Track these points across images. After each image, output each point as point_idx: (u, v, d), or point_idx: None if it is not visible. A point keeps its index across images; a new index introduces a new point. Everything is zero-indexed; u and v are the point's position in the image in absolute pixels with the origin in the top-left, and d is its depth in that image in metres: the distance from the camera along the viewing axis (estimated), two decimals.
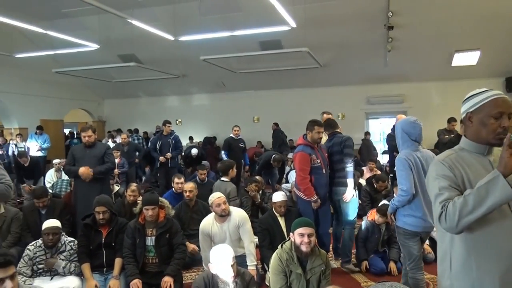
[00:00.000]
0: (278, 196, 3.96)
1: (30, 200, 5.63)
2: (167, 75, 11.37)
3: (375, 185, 5.74)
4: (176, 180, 5.15)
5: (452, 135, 6.64)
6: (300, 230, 2.73)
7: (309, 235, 2.71)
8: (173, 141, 7.54)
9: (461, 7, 7.90)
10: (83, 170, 4.43)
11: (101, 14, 8.10)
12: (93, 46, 8.62)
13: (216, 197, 3.67)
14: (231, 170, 5.28)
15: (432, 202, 1.55)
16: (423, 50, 9.50)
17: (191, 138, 12.44)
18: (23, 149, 9.28)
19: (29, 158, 7.45)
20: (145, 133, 12.69)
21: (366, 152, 9.46)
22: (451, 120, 7.16)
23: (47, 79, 11.37)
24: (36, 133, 10.19)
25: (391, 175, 5.96)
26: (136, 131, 12.49)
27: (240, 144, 7.92)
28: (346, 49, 9.69)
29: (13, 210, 4.57)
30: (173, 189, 5.23)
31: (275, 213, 3.95)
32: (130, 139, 9.49)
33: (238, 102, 12.82)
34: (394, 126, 5.99)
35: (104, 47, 8.94)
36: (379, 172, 6.95)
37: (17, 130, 10.63)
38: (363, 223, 4.24)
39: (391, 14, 7.85)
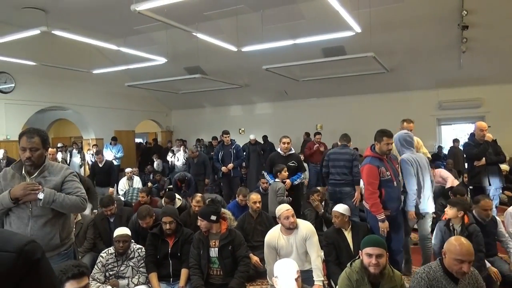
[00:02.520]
0: (337, 208, 3.79)
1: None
2: (231, 85, 11.58)
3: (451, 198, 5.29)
4: (241, 197, 5.17)
5: None
6: (368, 250, 2.53)
7: (378, 256, 2.49)
8: (234, 151, 7.60)
9: None
10: None
11: (168, 29, 8.48)
12: (162, 60, 9.02)
13: (284, 209, 3.56)
14: (279, 173, 5.21)
15: None
16: (502, 50, 8.69)
17: (199, 141, 12.65)
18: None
19: (104, 159, 8.01)
20: (210, 143, 12.96)
21: (455, 161, 8.84)
22: None
23: (120, 92, 12.14)
24: (110, 143, 10.89)
25: (471, 187, 5.43)
26: (198, 140, 12.87)
27: (291, 163, 5.59)
28: (415, 52, 9.19)
29: (88, 217, 4.85)
30: (238, 200, 5.23)
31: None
32: (198, 150, 9.58)
33: (300, 110, 12.69)
34: (471, 134, 5.51)
35: (172, 61, 9.32)
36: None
37: (94, 141, 11.42)
38: (435, 231, 3.88)
39: (466, 13, 7.29)
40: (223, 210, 3.72)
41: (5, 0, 7.17)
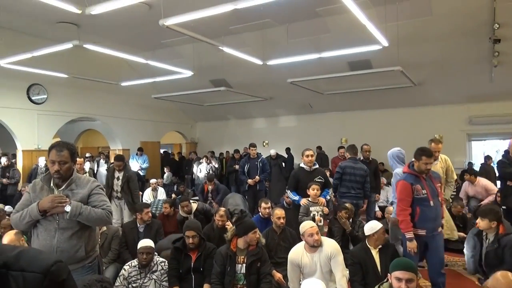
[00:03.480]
0: (373, 227, 3.66)
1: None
2: (255, 98, 11.63)
3: None
4: (263, 205, 5.09)
5: None
6: (397, 274, 2.41)
7: (408, 281, 2.37)
8: (260, 164, 7.59)
9: None
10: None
11: (195, 43, 8.61)
12: (188, 73, 9.15)
13: (308, 226, 3.49)
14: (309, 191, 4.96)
15: None
16: None
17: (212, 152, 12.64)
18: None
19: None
20: (233, 155, 12.99)
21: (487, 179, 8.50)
22: None
23: (147, 104, 12.38)
24: (137, 154, 11.07)
25: (504, 207, 5.19)
26: (212, 153, 12.93)
27: (318, 179, 5.07)
28: (444, 66, 8.98)
29: (113, 228, 4.90)
30: (260, 213, 5.18)
31: (369, 245, 3.65)
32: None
33: (325, 123, 12.59)
34: (506, 151, 5.31)
35: (197, 73, 9.45)
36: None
37: (121, 151, 11.64)
38: (468, 238, 3.71)
39: (498, 26, 7.09)
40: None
41: (41, 15, 7.46)
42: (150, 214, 4.98)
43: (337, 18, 7.81)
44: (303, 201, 4.82)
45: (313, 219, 4.49)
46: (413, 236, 3.56)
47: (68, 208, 2.41)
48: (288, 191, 5.18)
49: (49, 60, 8.41)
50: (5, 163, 8.71)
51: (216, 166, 11.86)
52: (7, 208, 6.91)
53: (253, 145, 7.78)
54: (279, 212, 4.41)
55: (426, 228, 3.60)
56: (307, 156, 5.13)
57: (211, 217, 5.70)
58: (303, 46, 8.56)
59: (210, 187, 7.80)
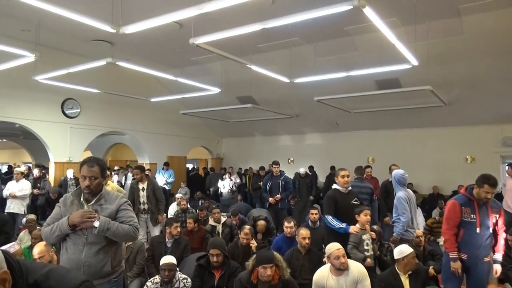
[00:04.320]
0: (403, 251, 3.54)
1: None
2: (281, 115, 11.64)
3: None
4: (286, 224, 5.03)
5: None
6: None
7: None
8: (282, 183, 7.52)
9: None
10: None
11: (223, 60, 8.75)
12: (216, 90, 9.27)
13: (335, 248, 3.41)
14: (358, 216, 4.55)
15: None
16: None
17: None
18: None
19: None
20: (258, 172, 12.97)
21: None
22: None
23: (174, 119, 12.61)
24: (163, 169, 11.23)
25: None
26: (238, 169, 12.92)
27: (354, 201, 4.65)
28: (476, 85, 8.74)
29: (139, 242, 4.95)
30: (284, 233, 5.12)
31: (398, 270, 3.53)
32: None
33: (352, 142, 12.43)
34: None
35: (225, 90, 9.57)
36: None
37: (148, 165, 11.84)
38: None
39: None
40: (276, 255, 3.38)
41: (78, 33, 7.79)
42: (178, 229, 5.00)
43: (365, 37, 7.78)
44: (354, 229, 4.26)
45: (365, 249, 4.17)
46: (457, 256, 3.50)
47: (96, 224, 2.46)
48: (329, 217, 4.46)
49: (83, 76, 8.71)
50: (37, 174, 9.03)
51: (238, 181, 11.87)
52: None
53: (276, 163, 7.73)
54: (305, 232, 4.33)
55: (467, 254, 3.52)
56: (343, 176, 4.59)
57: (235, 235, 5.73)
58: (331, 64, 8.55)
59: (234, 222, 7.49)
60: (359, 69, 7.48)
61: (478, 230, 3.49)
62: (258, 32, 5.42)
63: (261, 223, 5.86)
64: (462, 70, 8.29)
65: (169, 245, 4.88)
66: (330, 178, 10.86)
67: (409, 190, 4.99)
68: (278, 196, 7.37)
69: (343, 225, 4.31)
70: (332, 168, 11.46)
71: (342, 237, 4.15)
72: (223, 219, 6.27)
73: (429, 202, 10.00)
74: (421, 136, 11.16)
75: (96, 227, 2.46)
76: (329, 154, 12.71)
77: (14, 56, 6.56)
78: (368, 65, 7.58)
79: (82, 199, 2.63)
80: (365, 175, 6.94)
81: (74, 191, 2.69)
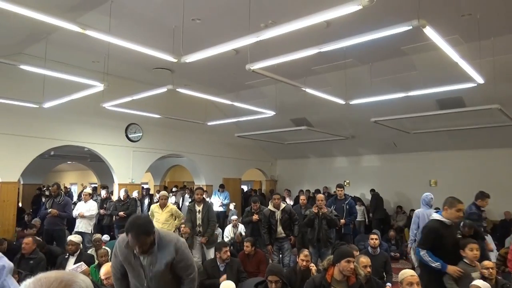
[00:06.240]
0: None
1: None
2: (336, 137, 11.47)
3: None
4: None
5: None
6: None
7: None
8: (347, 207, 7.24)
9: None
10: None
11: (277, 84, 8.85)
12: (270, 113, 9.37)
13: (409, 274, 3.20)
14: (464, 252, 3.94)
15: None
16: None
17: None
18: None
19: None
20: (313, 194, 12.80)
21: None
22: None
23: (230, 142, 12.88)
24: (219, 190, 11.44)
25: None
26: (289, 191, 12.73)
27: (458, 234, 4.16)
28: None
29: (197, 265, 5.06)
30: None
31: None
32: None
33: (411, 163, 11.90)
34: None
35: (279, 112, 9.64)
36: None
37: (204, 187, 12.12)
38: None
39: None
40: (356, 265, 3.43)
41: (140, 62, 8.28)
42: (228, 253, 5.01)
43: (424, 56, 7.54)
44: (452, 270, 3.68)
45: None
46: None
47: None
48: (422, 252, 3.80)
49: (145, 102, 9.16)
50: (105, 195, 9.56)
51: (292, 203, 11.75)
52: (105, 237, 7.50)
53: (340, 186, 7.43)
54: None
55: None
56: (459, 210, 3.77)
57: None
58: (387, 84, 8.34)
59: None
60: (419, 89, 7.21)
61: None
62: (312, 55, 5.45)
63: None
64: None
65: (221, 269, 4.89)
66: (377, 200, 10.47)
67: (430, 210, 5.68)
68: (342, 221, 7.03)
69: (439, 263, 3.71)
70: (372, 190, 11.03)
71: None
72: (282, 205, 6.52)
73: (500, 229, 9.24)
74: (488, 157, 10.45)
75: None
76: (387, 176, 12.27)
77: (85, 86, 7.09)
78: (427, 84, 7.30)
79: (135, 252, 2.62)
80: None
81: (127, 243, 2.63)
